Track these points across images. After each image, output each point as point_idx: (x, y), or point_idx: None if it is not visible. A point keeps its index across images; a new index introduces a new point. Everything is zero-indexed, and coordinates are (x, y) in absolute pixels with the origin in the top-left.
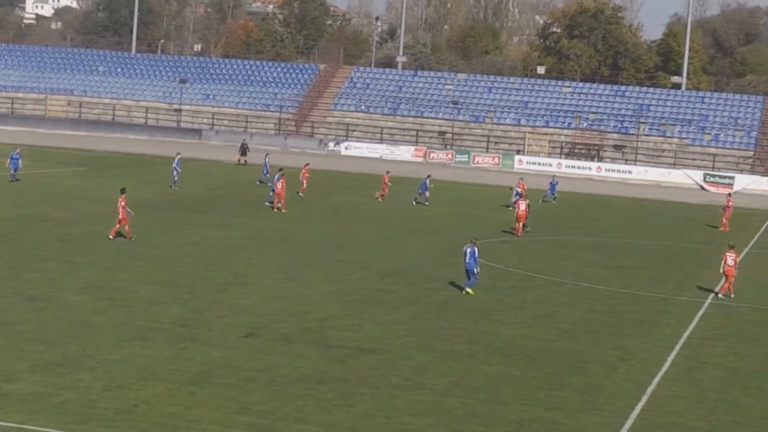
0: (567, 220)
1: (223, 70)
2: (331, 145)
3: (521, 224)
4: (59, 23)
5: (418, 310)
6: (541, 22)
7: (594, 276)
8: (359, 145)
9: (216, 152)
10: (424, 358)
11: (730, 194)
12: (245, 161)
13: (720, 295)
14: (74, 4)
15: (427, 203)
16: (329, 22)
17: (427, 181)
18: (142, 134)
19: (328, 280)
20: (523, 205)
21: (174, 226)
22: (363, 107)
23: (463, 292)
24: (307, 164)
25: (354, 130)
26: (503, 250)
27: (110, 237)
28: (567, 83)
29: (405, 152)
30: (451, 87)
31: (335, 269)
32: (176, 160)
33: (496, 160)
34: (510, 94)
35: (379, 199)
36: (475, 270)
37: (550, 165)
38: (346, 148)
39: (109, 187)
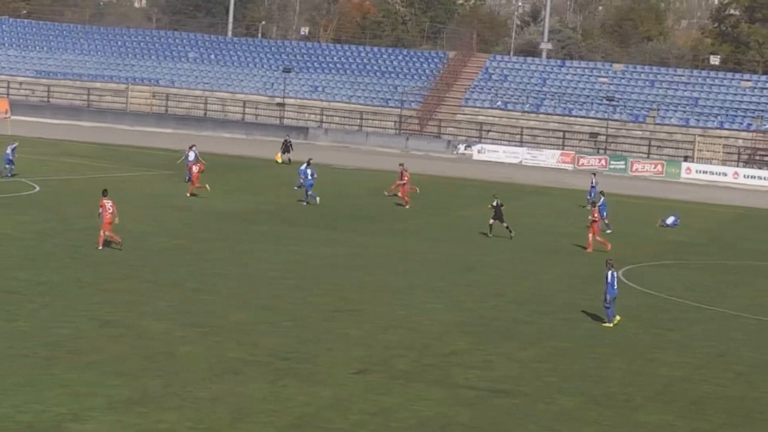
0: (743, 240)
1: (334, 58)
2: (461, 147)
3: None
4: (143, 2)
5: (560, 346)
6: (716, 2)
7: None
8: (495, 148)
9: (325, 154)
10: (569, 402)
11: None
12: (289, 159)
13: None
14: None
15: (609, 230)
16: (460, 1)
17: (603, 201)
18: (238, 132)
19: (454, 308)
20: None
21: (271, 242)
22: (500, 103)
23: (607, 324)
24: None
25: (489, 131)
26: (664, 275)
27: (99, 248)
28: (746, 76)
29: (549, 157)
30: (605, 80)
31: (462, 295)
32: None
33: (659, 167)
34: (677, 89)
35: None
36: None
37: (725, 174)
38: (479, 151)
39: (197, 194)
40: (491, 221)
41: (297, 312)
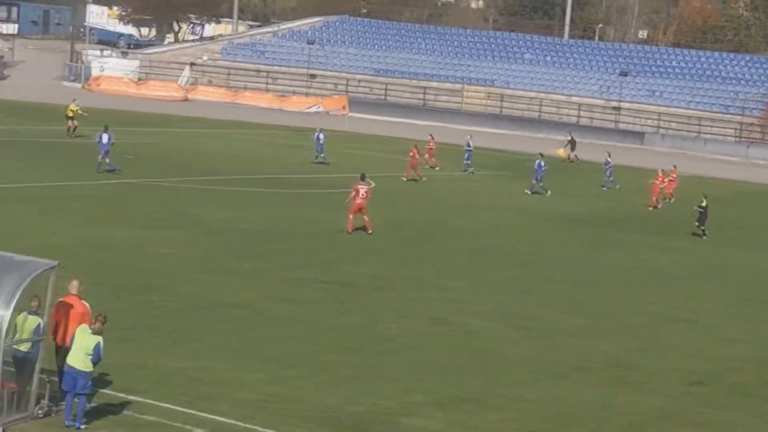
0: None
1: (673, 62)
2: None
3: None
4: (480, 2)
5: None
6: None
7: None
8: None
9: (661, 160)
10: None
11: None
12: (575, 156)
13: None
14: None
15: None
16: None
17: None
18: (572, 135)
19: None
20: None
21: (602, 246)
22: None
23: None
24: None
25: None
26: None
27: (369, 231)
28: None
29: None
30: None
31: None
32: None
33: None
34: None
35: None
36: None
37: None
38: None
39: (528, 196)
40: (696, 223)
41: (628, 319)
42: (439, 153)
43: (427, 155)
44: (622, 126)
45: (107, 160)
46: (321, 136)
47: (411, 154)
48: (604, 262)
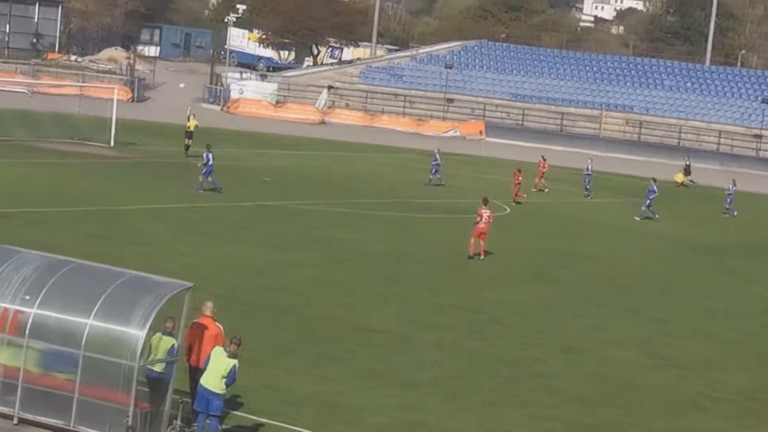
0: None
1: None
2: None
3: None
4: (621, 27)
5: None
6: None
7: None
8: None
9: None
10: None
11: None
12: (691, 181)
13: None
14: (639, 6)
15: None
16: None
17: None
18: (711, 162)
19: None
20: None
21: (738, 275)
22: None
23: None
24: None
25: None
26: None
27: (481, 257)
28: None
29: None
30: None
31: None
32: None
33: None
34: None
35: None
36: None
37: None
38: None
39: (663, 225)
40: None
41: (761, 350)
42: (571, 178)
43: (537, 178)
44: (763, 155)
45: (203, 178)
46: (438, 156)
47: (516, 180)
48: (735, 291)
